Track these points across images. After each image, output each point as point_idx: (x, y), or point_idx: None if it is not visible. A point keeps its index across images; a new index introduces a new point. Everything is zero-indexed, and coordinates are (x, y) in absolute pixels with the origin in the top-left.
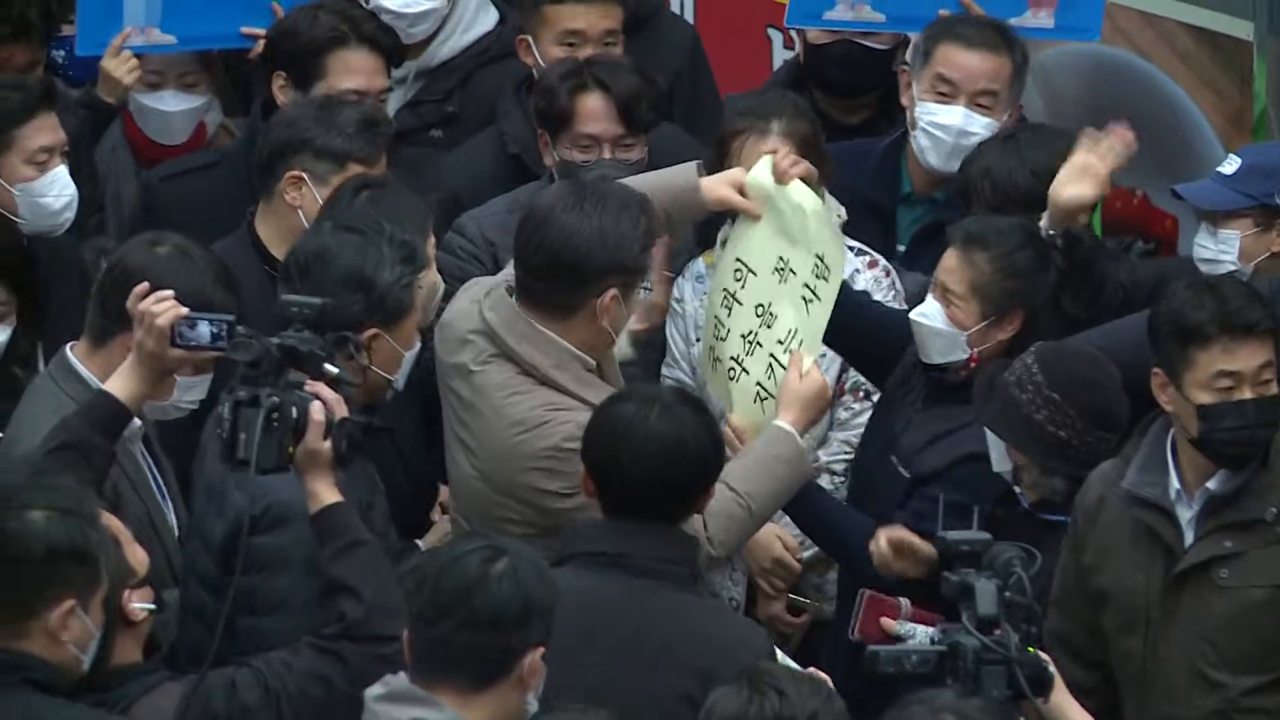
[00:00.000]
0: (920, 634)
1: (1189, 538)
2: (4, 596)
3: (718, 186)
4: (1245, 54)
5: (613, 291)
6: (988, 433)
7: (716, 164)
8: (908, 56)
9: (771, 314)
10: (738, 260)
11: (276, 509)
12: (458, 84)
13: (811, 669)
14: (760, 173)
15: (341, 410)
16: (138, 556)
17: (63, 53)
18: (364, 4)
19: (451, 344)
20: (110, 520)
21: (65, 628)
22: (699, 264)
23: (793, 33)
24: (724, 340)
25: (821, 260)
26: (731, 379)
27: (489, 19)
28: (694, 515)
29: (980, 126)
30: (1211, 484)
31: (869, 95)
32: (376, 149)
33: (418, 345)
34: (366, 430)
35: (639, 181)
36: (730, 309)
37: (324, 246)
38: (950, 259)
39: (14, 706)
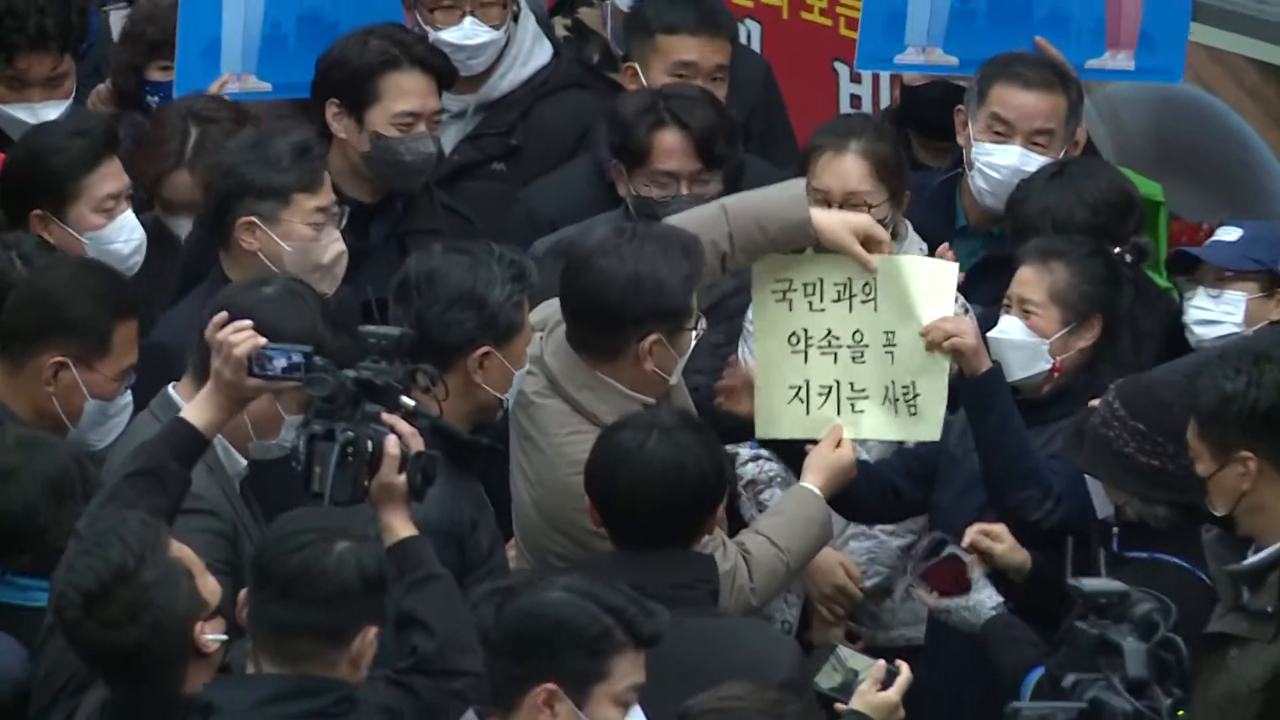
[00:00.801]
0: (987, 596)
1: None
2: (325, 629)
3: (837, 230)
4: None
5: (654, 336)
6: (1087, 479)
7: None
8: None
9: (861, 353)
10: (873, 278)
11: (370, 521)
12: (519, 117)
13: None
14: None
15: (417, 444)
16: (210, 588)
17: (157, 98)
18: (424, 37)
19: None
20: (182, 550)
21: (364, 654)
22: None
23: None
24: (822, 311)
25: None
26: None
27: (544, 52)
28: (705, 537)
29: (1036, 165)
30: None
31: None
32: (317, 175)
33: (528, 366)
34: (476, 449)
35: (742, 201)
36: (838, 300)
37: (434, 267)
38: (1025, 272)
39: None
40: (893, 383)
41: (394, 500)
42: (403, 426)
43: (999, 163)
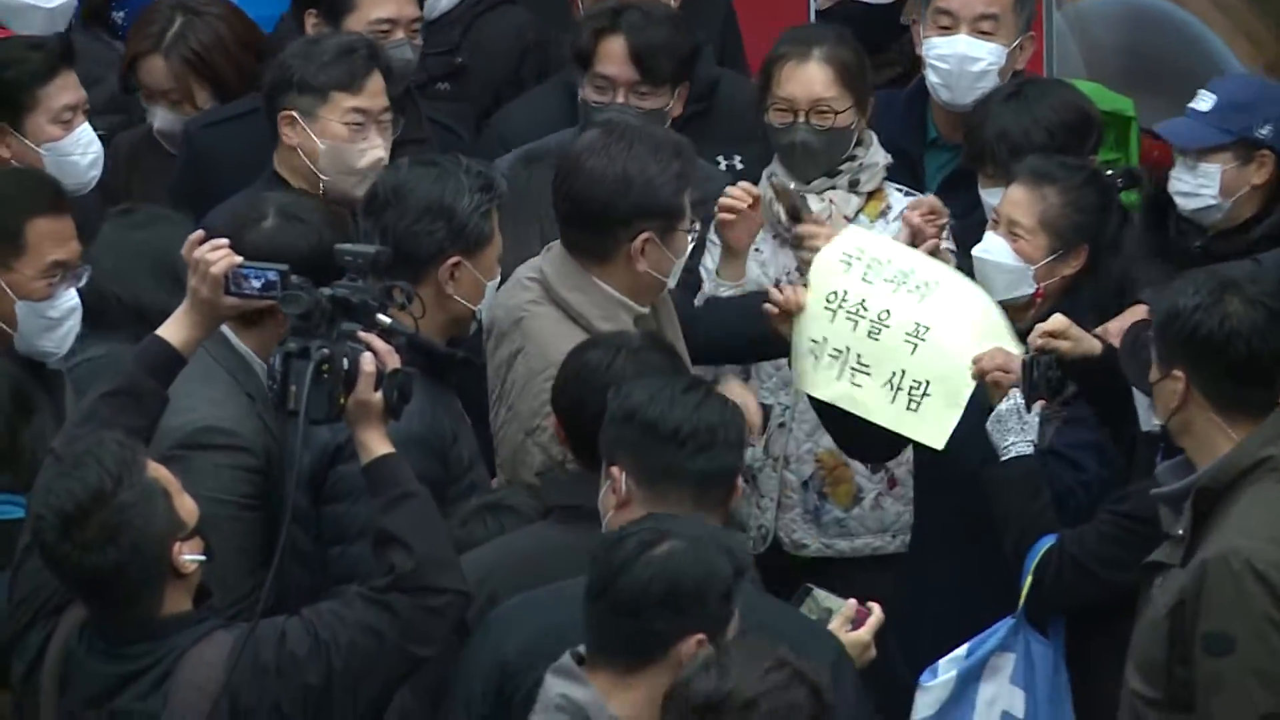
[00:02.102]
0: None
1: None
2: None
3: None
4: None
5: (646, 234)
6: (1136, 393)
7: (761, 91)
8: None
9: (881, 329)
10: (931, 273)
11: None
12: (460, 35)
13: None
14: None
15: (393, 361)
16: (187, 508)
17: (122, 14)
18: None
19: (511, 288)
20: (159, 471)
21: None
22: (862, 219)
23: None
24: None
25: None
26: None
27: None
28: None
29: (985, 53)
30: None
31: (888, 53)
32: (358, 75)
33: (498, 274)
34: (451, 361)
35: None
36: (890, 282)
37: (401, 180)
38: (1017, 193)
39: None
40: (903, 372)
41: (370, 418)
42: (379, 344)
43: (945, 53)
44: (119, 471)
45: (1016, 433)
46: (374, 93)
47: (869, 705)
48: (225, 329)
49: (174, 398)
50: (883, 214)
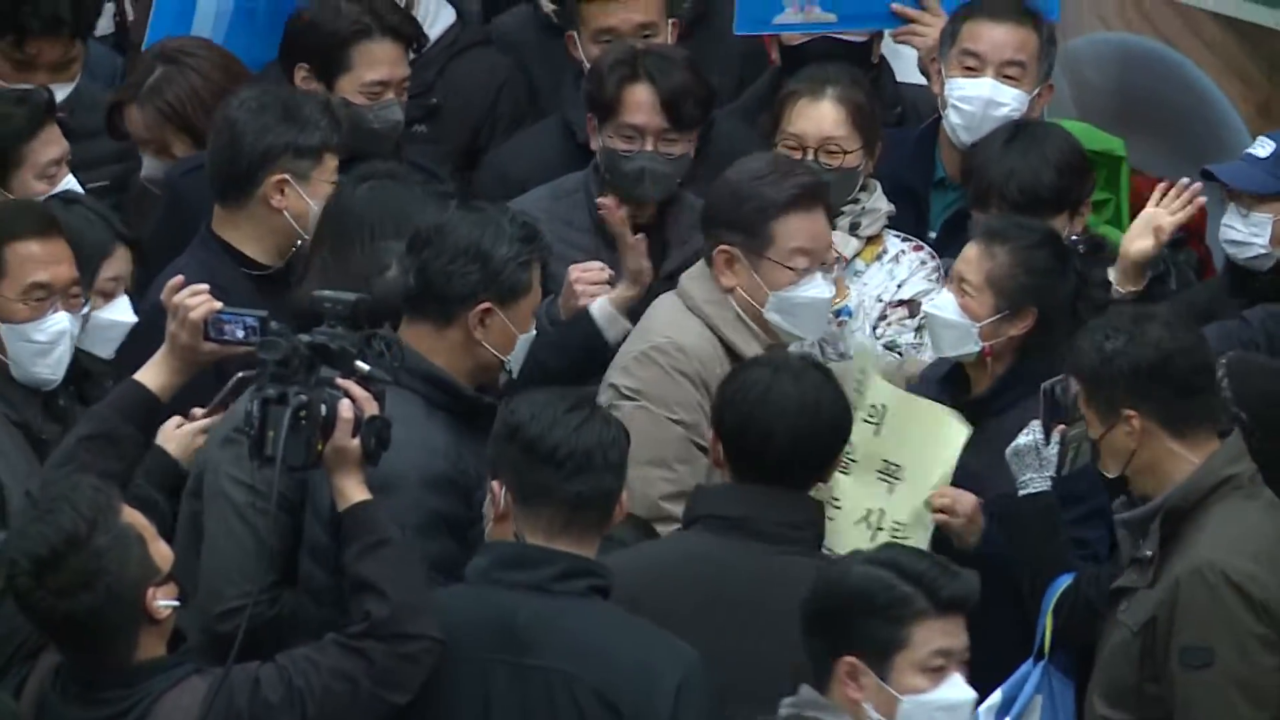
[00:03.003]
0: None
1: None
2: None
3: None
4: (1273, 42)
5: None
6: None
7: (771, 127)
8: (937, 47)
9: (854, 462)
10: (883, 406)
11: (384, 476)
12: (435, 76)
13: None
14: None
15: (371, 408)
16: (161, 553)
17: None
18: (395, 4)
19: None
20: (134, 516)
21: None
22: (858, 263)
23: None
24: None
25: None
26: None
27: (448, 14)
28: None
29: (1009, 98)
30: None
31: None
32: (340, 134)
33: (534, 331)
34: (479, 406)
35: None
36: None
37: (444, 221)
38: (970, 250)
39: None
40: (880, 511)
41: (347, 464)
42: (357, 391)
43: (971, 94)
44: (93, 516)
45: (1034, 468)
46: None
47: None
48: None
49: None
50: (879, 257)
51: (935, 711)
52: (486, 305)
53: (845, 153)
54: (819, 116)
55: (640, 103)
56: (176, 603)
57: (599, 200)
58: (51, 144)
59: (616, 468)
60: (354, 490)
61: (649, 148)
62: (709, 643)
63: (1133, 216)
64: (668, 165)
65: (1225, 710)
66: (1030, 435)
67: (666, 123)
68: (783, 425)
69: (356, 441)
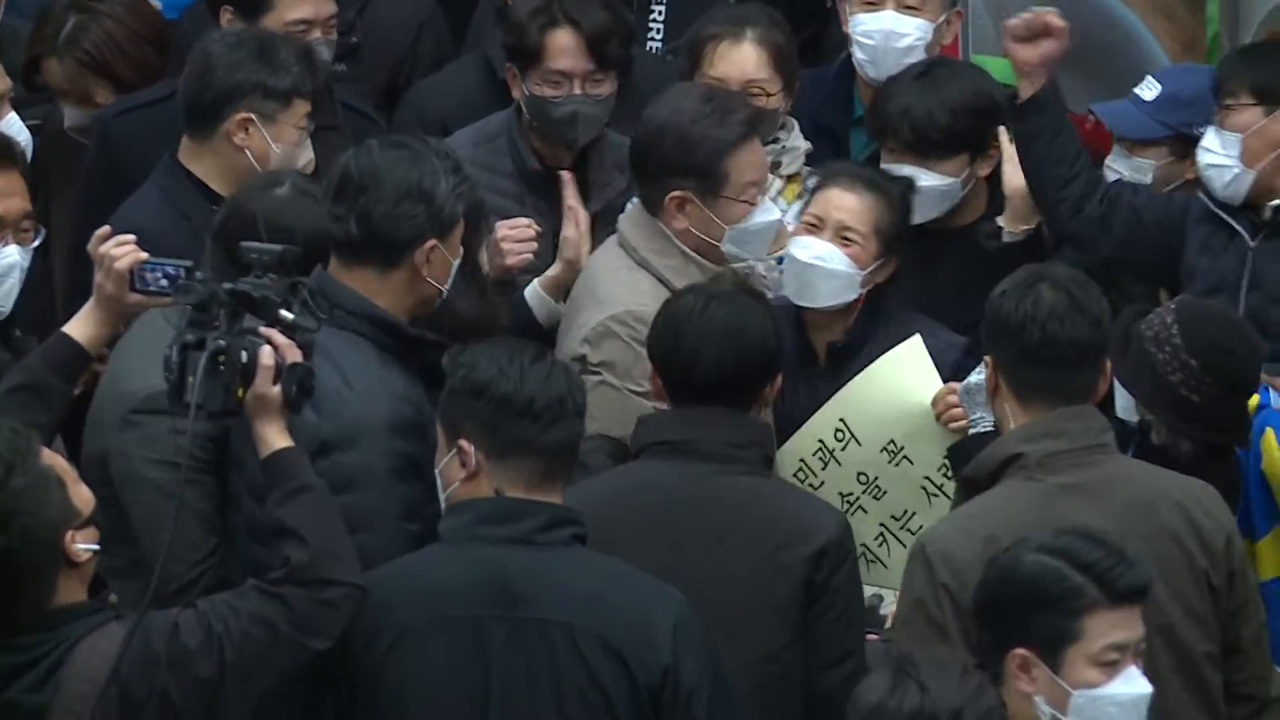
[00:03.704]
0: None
1: None
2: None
3: None
4: None
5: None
6: (1118, 385)
7: (689, 70)
8: None
9: (879, 487)
10: (841, 421)
11: (353, 425)
12: (355, 15)
13: None
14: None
15: (294, 355)
16: (82, 496)
17: None
18: None
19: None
20: (54, 459)
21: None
22: (780, 202)
23: None
24: (815, 488)
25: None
26: None
27: None
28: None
29: (911, 28)
30: None
31: (807, 32)
32: (315, 81)
33: (461, 253)
34: (422, 342)
35: None
36: (825, 463)
37: (376, 163)
38: (846, 199)
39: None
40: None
41: (268, 411)
42: (279, 338)
43: (871, 29)
44: (11, 458)
45: (984, 406)
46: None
47: (719, 662)
48: None
49: (128, 364)
50: (799, 196)
51: (1109, 706)
52: (432, 243)
53: (768, 95)
54: (740, 59)
55: (564, 47)
56: (96, 546)
57: (563, 174)
58: None
59: (581, 412)
60: (275, 437)
61: (577, 91)
62: (662, 565)
63: None
64: (596, 106)
65: None
66: (981, 374)
67: (592, 64)
68: (710, 347)
69: (278, 389)
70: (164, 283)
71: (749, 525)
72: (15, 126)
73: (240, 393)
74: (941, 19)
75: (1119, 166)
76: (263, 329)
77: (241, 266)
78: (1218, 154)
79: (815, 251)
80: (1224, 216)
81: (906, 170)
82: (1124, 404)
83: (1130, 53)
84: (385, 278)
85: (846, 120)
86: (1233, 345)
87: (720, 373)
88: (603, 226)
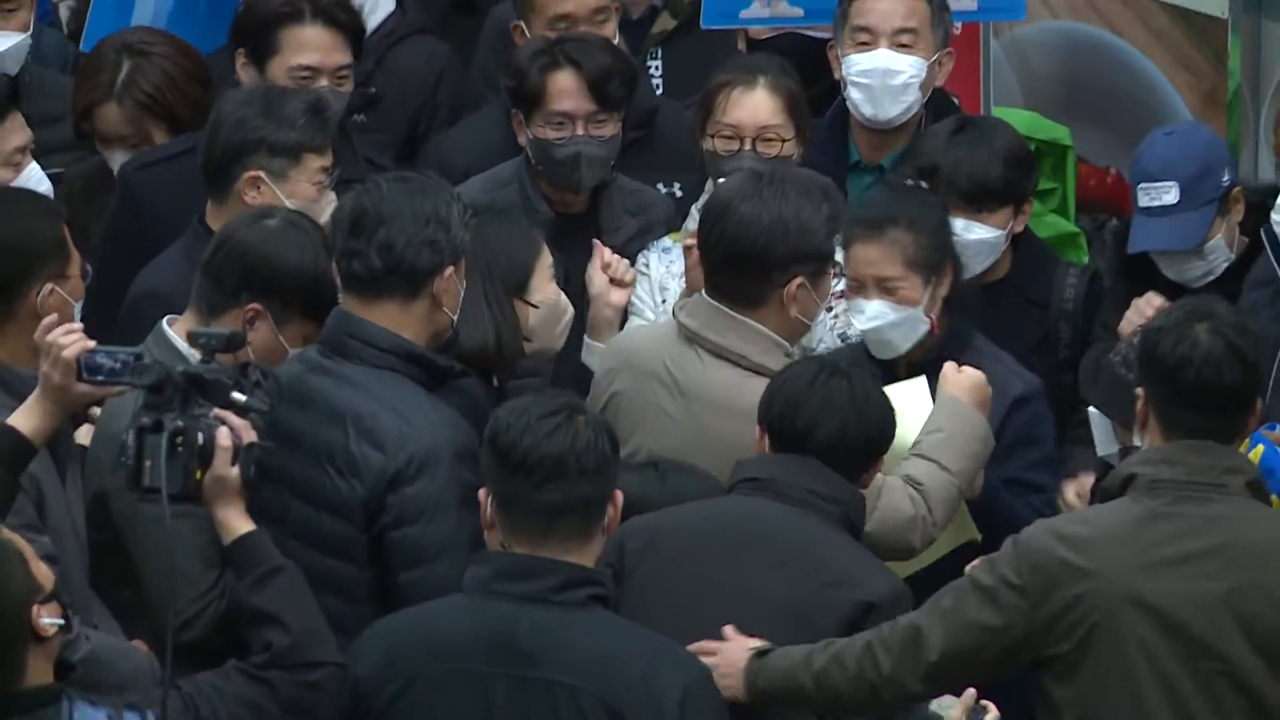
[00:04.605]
0: None
1: None
2: (594, 500)
3: None
4: (1220, 32)
5: (799, 279)
6: (1093, 415)
7: (702, 119)
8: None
9: None
10: None
11: (420, 456)
12: (374, 66)
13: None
14: None
15: (250, 435)
16: (43, 572)
17: None
18: None
19: (639, 373)
20: (12, 536)
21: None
22: (665, 240)
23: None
24: None
25: None
26: None
27: (387, 3)
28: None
29: (905, 65)
30: None
31: (819, 85)
32: (326, 135)
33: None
34: (450, 373)
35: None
36: None
37: (387, 196)
38: (867, 252)
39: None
40: None
41: (228, 494)
42: (234, 419)
43: (866, 68)
44: None
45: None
46: (331, 149)
47: None
48: (172, 335)
49: (121, 403)
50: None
51: None
52: (450, 269)
53: (783, 141)
54: (754, 106)
55: (566, 89)
56: (61, 621)
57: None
58: (15, 132)
59: (592, 474)
60: (237, 521)
61: (580, 132)
62: (717, 575)
63: (1079, 205)
64: (601, 148)
65: None
66: None
67: (594, 105)
68: (829, 420)
69: (236, 470)
70: (113, 371)
71: (805, 560)
72: (36, 177)
73: (199, 475)
74: (934, 58)
75: (1197, 265)
76: (217, 410)
77: (226, 296)
78: None
79: (869, 314)
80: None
81: (959, 223)
82: (1103, 438)
83: (1151, 105)
84: (408, 309)
85: (843, 167)
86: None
87: (838, 444)
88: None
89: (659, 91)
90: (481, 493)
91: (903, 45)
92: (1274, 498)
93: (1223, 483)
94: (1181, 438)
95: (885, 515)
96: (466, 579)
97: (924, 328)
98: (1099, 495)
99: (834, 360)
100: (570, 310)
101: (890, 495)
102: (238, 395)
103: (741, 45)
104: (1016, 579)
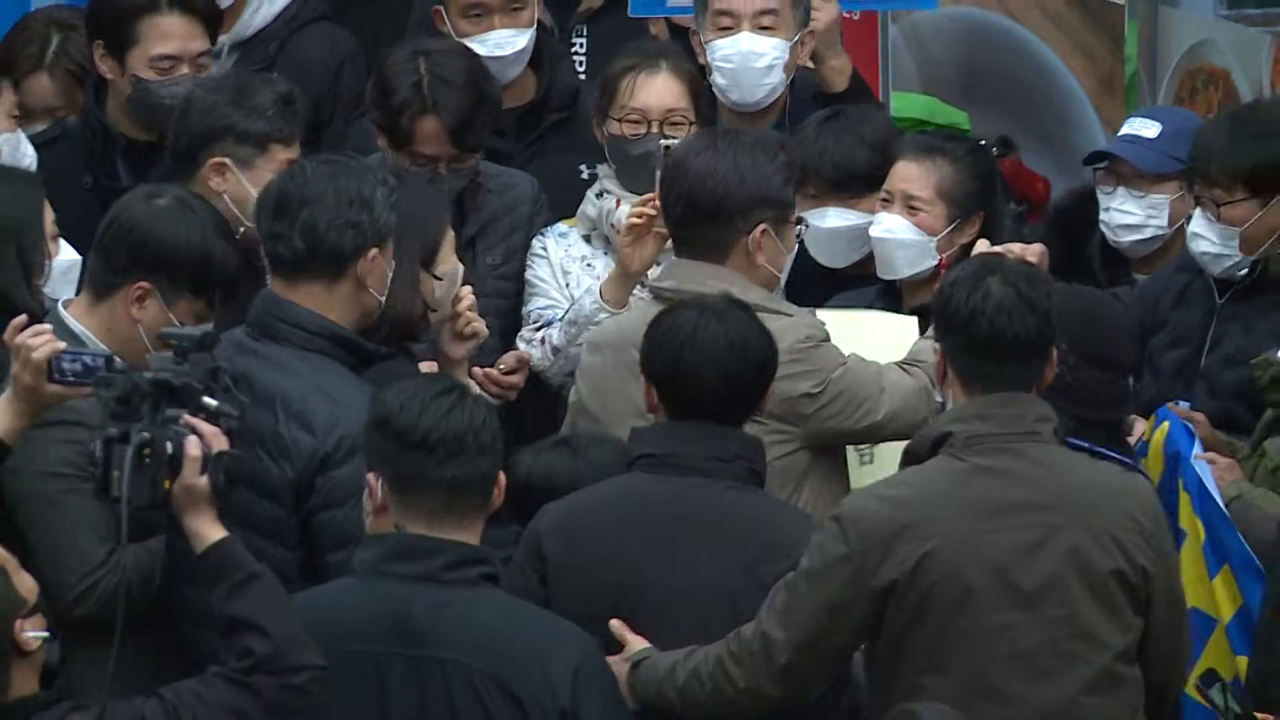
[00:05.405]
0: None
1: None
2: (491, 475)
3: None
4: (1117, 17)
5: (762, 226)
6: None
7: (604, 104)
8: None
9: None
10: None
11: (350, 439)
12: (276, 50)
13: None
14: None
15: (220, 443)
16: (26, 585)
17: None
18: None
19: (619, 347)
20: None
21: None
22: (560, 226)
23: None
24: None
25: None
26: None
27: None
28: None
29: (768, 47)
30: None
31: None
32: (295, 127)
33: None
34: (378, 356)
35: None
36: None
37: (310, 179)
38: (909, 169)
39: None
40: None
41: (197, 503)
42: (204, 427)
43: (729, 52)
44: None
45: None
46: (298, 141)
47: (625, 711)
48: (69, 318)
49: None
50: None
51: None
52: (374, 252)
53: (690, 123)
54: (660, 90)
55: (430, 134)
56: (46, 634)
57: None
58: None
59: (489, 449)
60: (208, 529)
61: (443, 171)
62: (638, 574)
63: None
64: (461, 180)
65: None
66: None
67: (455, 149)
68: (711, 365)
69: (205, 479)
70: (83, 373)
71: (726, 537)
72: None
73: (167, 484)
74: (796, 38)
75: (1132, 209)
76: (186, 417)
77: (116, 274)
78: (1214, 243)
79: (886, 225)
80: (1203, 268)
81: (830, 212)
82: None
83: (1048, 89)
84: (332, 291)
85: None
86: (1095, 314)
87: (722, 390)
88: (483, 248)
89: (582, 68)
90: (370, 477)
91: (764, 28)
92: (1183, 494)
93: (1036, 430)
94: (981, 389)
95: (894, 391)
96: (356, 562)
97: (931, 262)
98: (907, 458)
99: (709, 304)
100: (460, 270)
101: (889, 372)
102: (209, 400)
103: (660, 31)
104: (846, 551)
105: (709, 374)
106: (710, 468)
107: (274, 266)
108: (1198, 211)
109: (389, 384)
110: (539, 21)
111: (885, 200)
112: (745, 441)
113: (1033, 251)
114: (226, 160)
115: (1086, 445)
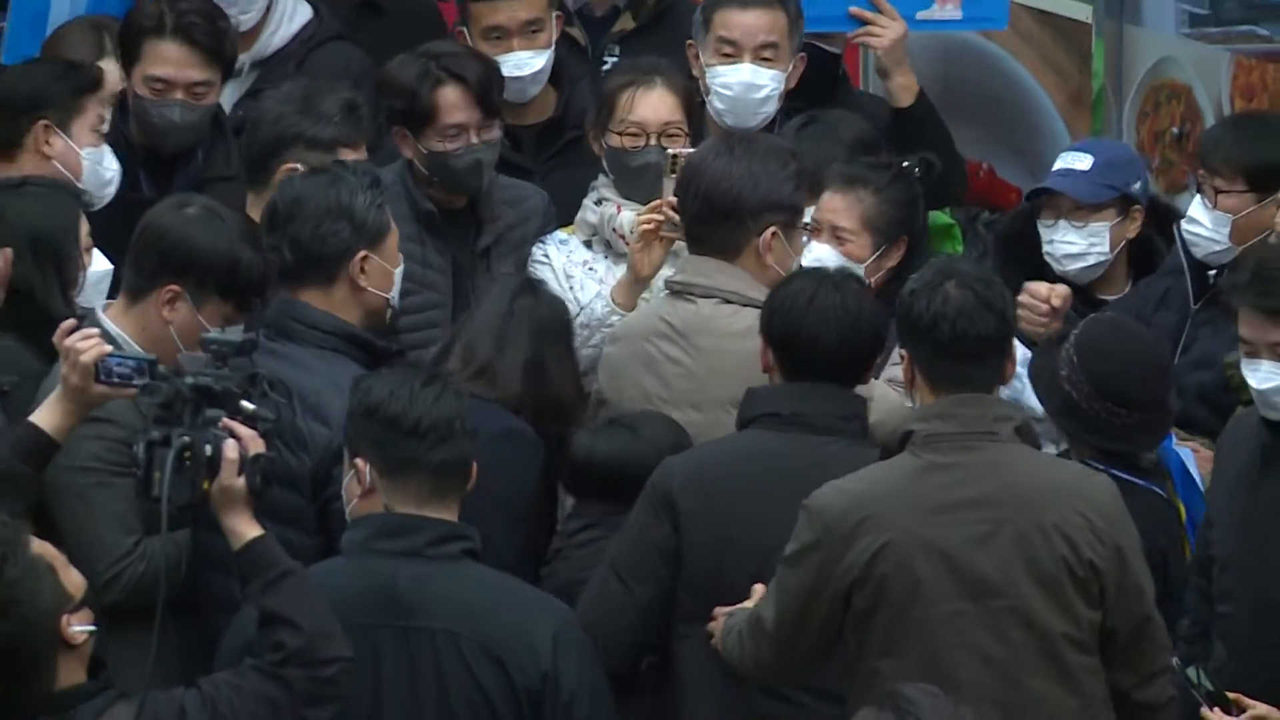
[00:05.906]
0: None
1: None
2: (470, 458)
3: None
4: (1084, 35)
5: (772, 229)
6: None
7: (603, 118)
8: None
9: None
10: None
11: None
12: (295, 69)
13: None
14: None
15: (257, 446)
16: (73, 580)
17: None
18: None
19: (633, 339)
20: (44, 547)
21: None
22: (560, 233)
23: None
24: None
25: None
26: None
27: (306, 10)
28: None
29: (767, 79)
30: None
31: (832, 99)
32: (360, 131)
33: (401, 260)
34: (388, 353)
35: None
36: None
37: (298, 192)
38: (834, 200)
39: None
40: None
41: (235, 503)
42: (241, 430)
43: (730, 81)
44: (3, 549)
45: None
46: (365, 146)
47: (600, 674)
48: (106, 321)
49: (50, 386)
50: None
51: None
52: (363, 254)
53: (686, 135)
54: (657, 103)
55: (455, 103)
56: (93, 627)
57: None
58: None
59: (470, 434)
60: (245, 527)
61: (474, 140)
62: (767, 527)
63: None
64: (492, 151)
65: None
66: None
67: (481, 113)
68: (828, 331)
69: (242, 480)
70: (128, 375)
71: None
72: (109, 156)
73: (206, 485)
74: (790, 68)
75: (1074, 239)
76: (225, 421)
77: (146, 278)
78: (1206, 229)
79: (815, 254)
80: (1183, 271)
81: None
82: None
83: (1020, 104)
84: (329, 295)
85: None
86: (1113, 347)
87: (838, 354)
88: (496, 258)
89: None
90: (359, 462)
91: (765, 59)
92: (1179, 504)
93: (994, 430)
94: (948, 390)
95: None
96: (343, 542)
97: None
98: (882, 454)
99: (827, 273)
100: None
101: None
102: (246, 404)
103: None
104: (813, 540)
105: (826, 338)
106: (830, 425)
107: (278, 275)
108: (1196, 198)
109: (367, 375)
110: (569, 38)
111: (814, 229)
112: (858, 401)
113: (1058, 294)
114: (298, 166)
115: (1101, 467)
